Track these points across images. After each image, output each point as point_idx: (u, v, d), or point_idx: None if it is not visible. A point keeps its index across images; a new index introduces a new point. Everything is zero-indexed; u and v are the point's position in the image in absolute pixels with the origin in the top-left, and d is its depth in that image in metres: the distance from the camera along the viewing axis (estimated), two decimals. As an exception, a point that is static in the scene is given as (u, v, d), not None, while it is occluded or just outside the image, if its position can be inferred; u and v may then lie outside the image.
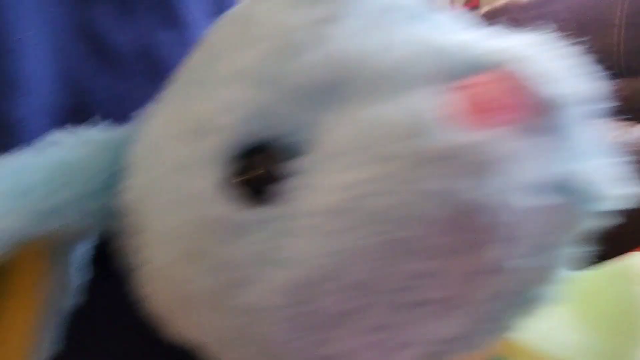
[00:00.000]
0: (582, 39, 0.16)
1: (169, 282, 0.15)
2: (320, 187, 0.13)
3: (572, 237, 0.13)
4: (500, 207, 0.11)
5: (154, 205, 0.15)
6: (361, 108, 0.13)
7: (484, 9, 1.48)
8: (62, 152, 0.17)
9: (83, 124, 0.18)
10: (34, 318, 0.18)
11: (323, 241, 0.13)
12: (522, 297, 0.14)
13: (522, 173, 0.12)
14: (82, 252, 0.19)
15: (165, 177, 0.15)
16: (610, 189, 0.13)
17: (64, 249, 0.18)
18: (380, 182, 0.12)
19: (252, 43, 0.15)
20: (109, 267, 0.17)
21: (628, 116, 1.01)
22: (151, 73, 0.24)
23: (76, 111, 0.22)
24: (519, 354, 0.18)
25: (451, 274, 0.12)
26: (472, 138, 0.11)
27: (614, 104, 0.14)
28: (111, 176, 0.17)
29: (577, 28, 1.16)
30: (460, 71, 0.13)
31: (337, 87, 0.14)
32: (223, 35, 0.17)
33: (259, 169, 0.14)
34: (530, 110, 0.12)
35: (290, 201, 0.13)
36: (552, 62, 0.13)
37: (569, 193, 0.12)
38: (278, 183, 0.13)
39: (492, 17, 1.41)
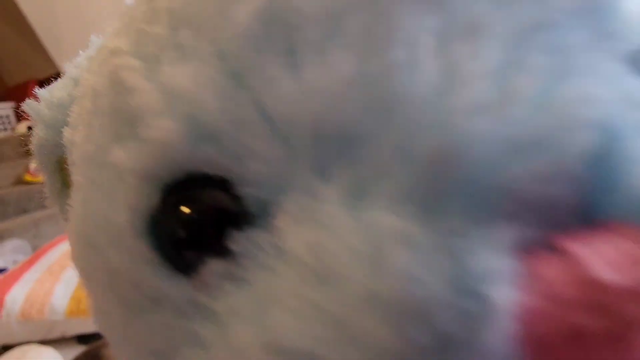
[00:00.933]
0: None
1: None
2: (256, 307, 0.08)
3: None
4: None
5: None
6: (370, 203, 0.08)
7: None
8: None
9: None
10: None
11: None
12: None
13: None
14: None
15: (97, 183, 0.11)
16: None
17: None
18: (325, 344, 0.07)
19: None
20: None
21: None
22: None
23: None
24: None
25: None
26: None
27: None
28: None
29: None
30: (583, 206, 0.07)
31: (356, 144, 0.08)
32: None
33: (196, 215, 0.09)
34: None
35: (219, 295, 0.09)
36: None
37: None
38: (215, 250, 0.09)
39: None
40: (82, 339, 0.61)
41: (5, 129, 1.65)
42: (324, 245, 0.08)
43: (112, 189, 0.10)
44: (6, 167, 1.37)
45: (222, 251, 0.09)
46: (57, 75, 0.18)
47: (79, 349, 0.57)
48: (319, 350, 0.07)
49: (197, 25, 0.10)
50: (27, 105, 0.16)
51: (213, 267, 0.09)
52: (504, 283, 0.07)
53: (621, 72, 0.09)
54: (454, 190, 0.07)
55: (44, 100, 0.16)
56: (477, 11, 0.08)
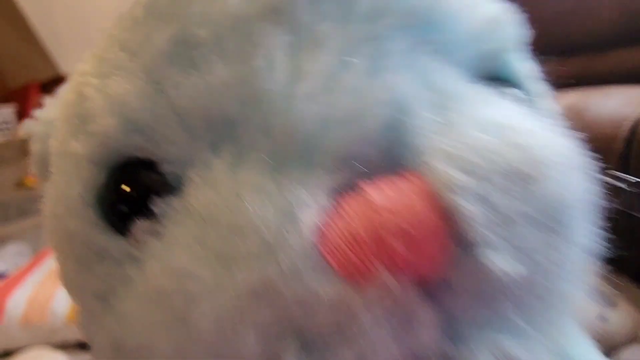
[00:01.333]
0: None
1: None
2: (161, 256, 0.12)
3: None
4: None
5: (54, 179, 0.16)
6: (244, 167, 0.12)
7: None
8: None
9: None
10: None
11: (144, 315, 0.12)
12: None
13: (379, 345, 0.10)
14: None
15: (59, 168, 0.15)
16: None
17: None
18: (205, 284, 0.11)
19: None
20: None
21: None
22: None
23: None
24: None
25: None
26: (330, 290, 0.10)
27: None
28: None
29: None
30: (380, 160, 0.11)
31: (235, 127, 0.12)
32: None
33: (130, 190, 0.13)
34: (429, 259, 0.10)
35: (145, 247, 0.12)
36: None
37: None
38: (142, 214, 0.13)
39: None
40: (83, 345, 0.60)
41: (7, 131, 1.64)
42: (211, 201, 0.11)
43: (70, 172, 0.14)
44: (7, 170, 1.37)
45: (148, 214, 0.12)
46: (58, 77, 0.19)
47: (81, 356, 0.56)
48: (199, 271, 0.11)
49: (132, 50, 0.13)
50: (27, 124, 0.21)
51: (142, 227, 0.13)
52: (312, 211, 0.10)
53: (432, 69, 0.12)
54: (294, 154, 0.11)
55: (39, 119, 0.20)
56: (320, 29, 0.12)
